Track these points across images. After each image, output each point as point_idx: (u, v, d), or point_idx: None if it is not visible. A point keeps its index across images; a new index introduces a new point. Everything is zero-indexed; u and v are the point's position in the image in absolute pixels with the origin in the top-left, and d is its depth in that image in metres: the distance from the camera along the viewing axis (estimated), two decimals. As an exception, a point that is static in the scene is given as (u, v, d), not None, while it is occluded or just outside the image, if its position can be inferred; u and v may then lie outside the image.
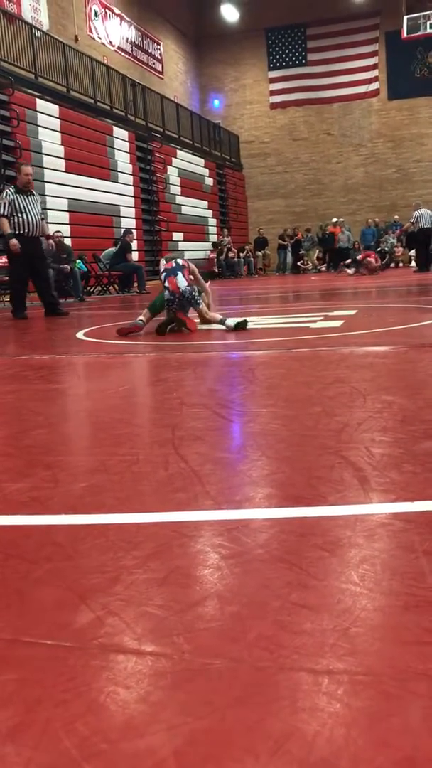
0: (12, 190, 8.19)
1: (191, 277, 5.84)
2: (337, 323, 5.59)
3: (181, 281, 5.65)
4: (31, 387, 3.54)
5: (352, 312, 6.63)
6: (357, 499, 1.60)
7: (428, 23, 19.96)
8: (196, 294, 5.67)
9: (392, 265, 23.27)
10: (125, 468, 1.95)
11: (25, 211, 8.11)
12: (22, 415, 2.88)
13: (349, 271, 18.30)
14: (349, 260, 18.73)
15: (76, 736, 0.84)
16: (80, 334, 6.01)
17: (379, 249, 23.32)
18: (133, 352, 4.74)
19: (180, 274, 5.68)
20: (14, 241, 8.05)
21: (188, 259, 6.13)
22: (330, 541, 1.37)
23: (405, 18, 20.12)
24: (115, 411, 2.85)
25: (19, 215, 8.09)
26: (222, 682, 0.94)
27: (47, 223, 10.34)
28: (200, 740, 0.83)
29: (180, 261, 5.88)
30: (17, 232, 8.11)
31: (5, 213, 8.08)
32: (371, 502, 1.58)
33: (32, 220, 8.20)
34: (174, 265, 5.82)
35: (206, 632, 1.06)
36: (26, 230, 8.15)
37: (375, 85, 28.31)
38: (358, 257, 18.35)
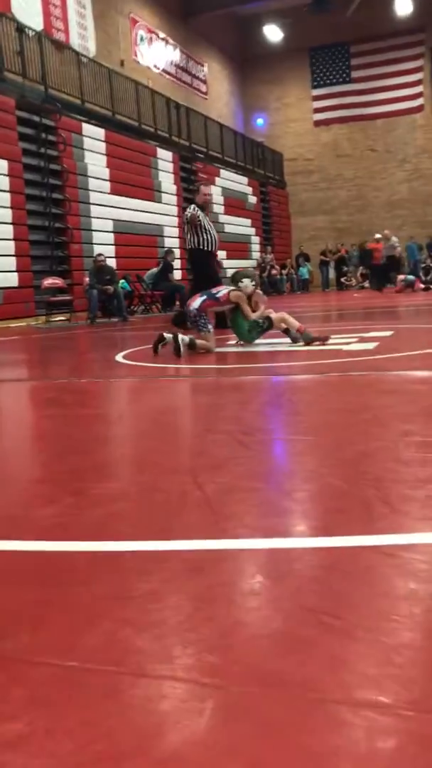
0: (196, 208, 8.33)
1: (222, 307, 6.33)
2: (371, 345, 5.64)
3: (196, 303, 6.20)
4: (67, 412, 3.69)
5: (388, 333, 6.66)
6: (383, 529, 1.67)
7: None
8: (201, 320, 6.14)
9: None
10: (145, 496, 2.06)
11: (210, 229, 8.32)
12: (57, 440, 3.03)
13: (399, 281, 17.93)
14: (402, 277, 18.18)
15: (95, 757, 0.94)
16: (119, 356, 6.18)
17: (424, 265, 23.18)
18: (167, 376, 4.87)
19: (203, 299, 6.23)
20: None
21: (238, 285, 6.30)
22: (354, 570, 1.45)
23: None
24: (143, 437, 2.97)
25: (207, 234, 8.25)
26: (252, 714, 1.01)
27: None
28: None
29: (223, 290, 6.29)
30: (204, 248, 8.27)
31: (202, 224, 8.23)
32: (401, 531, 1.65)
33: (216, 237, 8.42)
34: (215, 291, 6.34)
35: (227, 662, 1.15)
36: (212, 247, 8.36)
37: (419, 101, 28.25)
38: (411, 277, 18.09)
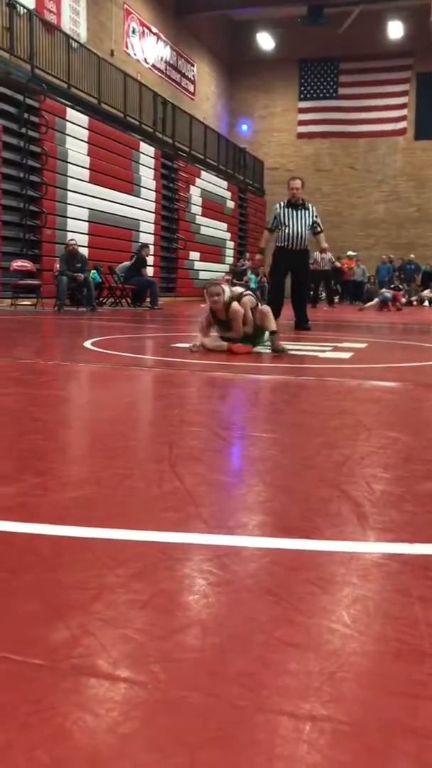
0: (282, 204, 8.24)
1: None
2: (347, 354, 5.55)
3: None
4: (32, 391, 3.49)
5: (363, 345, 6.59)
6: (354, 535, 1.54)
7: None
8: None
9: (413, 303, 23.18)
10: (118, 482, 1.90)
11: (289, 225, 8.12)
12: (20, 419, 2.84)
13: (369, 304, 17.98)
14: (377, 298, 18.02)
15: (36, 764, 0.78)
16: (88, 343, 5.98)
17: (393, 285, 23.35)
18: (138, 366, 4.70)
19: None
20: (258, 256, 8.22)
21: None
22: (322, 577, 1.31)
23: (438, 61, 20.30)
24: (114, 423, 2.80)
25: (283, 228, 8.09)
26: (196, 719, 0.88)
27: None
28: (167, 782, 0.77)
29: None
30: (279, 244, 8.12)
31: (270, 226, 8.16)
32: (368, 540, 1.52)
33: (295, 233, 8.17)
34: None
35: (185, 663, 1.01)
36: (287, 243, 8.16)
37: (403, 124, 28.53)
38: (388, 294, 17.94)
